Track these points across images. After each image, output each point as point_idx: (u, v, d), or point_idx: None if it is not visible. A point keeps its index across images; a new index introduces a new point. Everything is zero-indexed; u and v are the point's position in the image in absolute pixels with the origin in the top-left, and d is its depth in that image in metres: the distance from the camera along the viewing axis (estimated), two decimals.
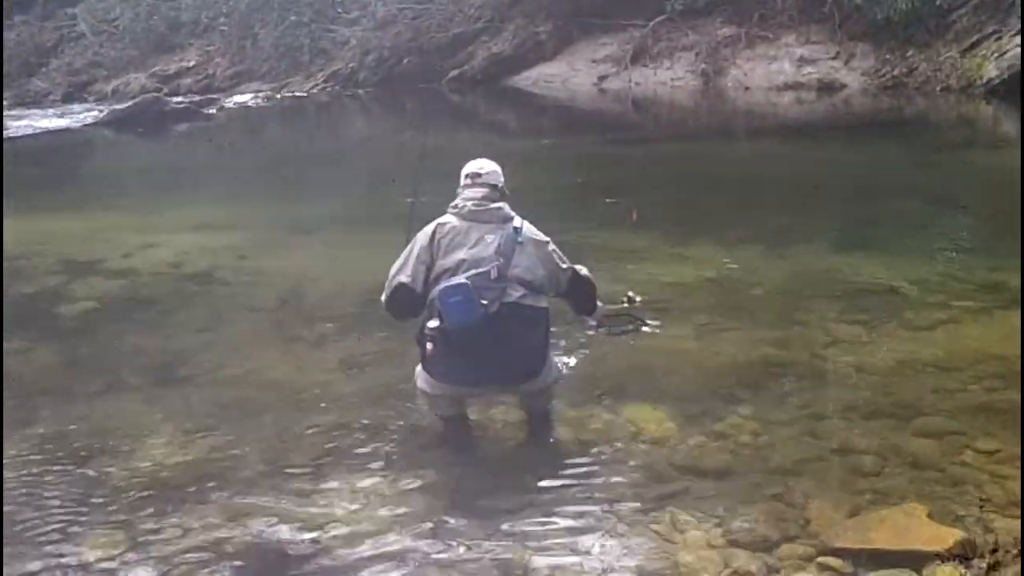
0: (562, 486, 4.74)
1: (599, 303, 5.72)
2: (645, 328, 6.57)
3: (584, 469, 4.92)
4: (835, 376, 5.89)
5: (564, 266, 5.24)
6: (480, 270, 4.92)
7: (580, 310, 5.70)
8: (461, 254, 5.01)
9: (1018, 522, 3.98)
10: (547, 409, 5.48)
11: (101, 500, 4.87)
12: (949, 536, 3.88)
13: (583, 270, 5.37)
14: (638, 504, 4.52)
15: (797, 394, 5.65)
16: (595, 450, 5.13)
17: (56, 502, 4.88)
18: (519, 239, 5.06)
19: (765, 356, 6.25)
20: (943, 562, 3.77)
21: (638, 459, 5.00)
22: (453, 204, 5.24)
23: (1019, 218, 8.58)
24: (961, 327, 6.62)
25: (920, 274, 7.88)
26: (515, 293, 4.94)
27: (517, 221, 5.15)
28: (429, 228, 5.17)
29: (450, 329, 4.84)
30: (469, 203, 5.16)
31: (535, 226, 5.23)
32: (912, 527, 3.98)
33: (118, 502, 4.84)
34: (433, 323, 4.90)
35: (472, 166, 5.34)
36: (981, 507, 4.16)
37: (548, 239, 5.24)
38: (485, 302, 4.83)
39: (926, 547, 3.82)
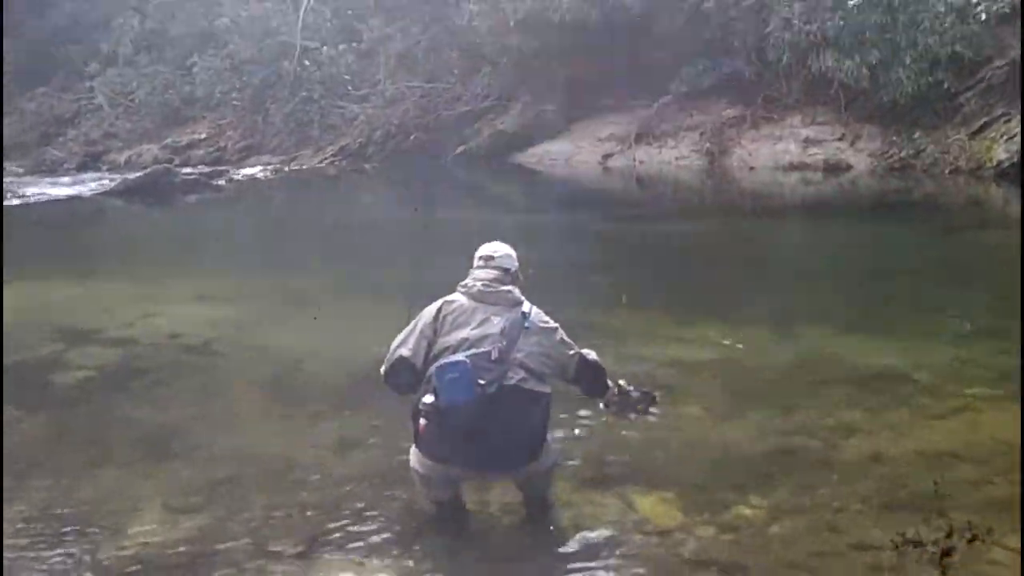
0: None
1: (609, 382, 5.51)
2: (653, 410, 6.27)
3: (585, 563, 4.70)
4: (849, 465, 5.66)
5: (571, 352, 5.12)
6: (480, 350, 4.80)
7: (590, 392, 5.49)
8: (464, 333, 4.90)
9: None
10: (546, 494, 5.26)
11: None
12: None
13: (590, 355, 5.21)
14: None
15: (810, 484, 5.41)
16: (597, 541, 4.92)
17: None
18: (526, 324, 4.97)
19: (775, 443, 6.05)
20: None
21: (643, 551, 4.79)
22: (463, 283, 5.17)
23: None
24: (978, 416, 6.39)
25: (933, 359, 7.69)
26: (515, 376, 4.81)
27: (526, 306, 5.08)
28: (436, 304, 5.09)
29: (444, 407, 4.68)
30: (479, 283, 5.11)
31: (538, 304, 5.13)
32: None
33: None
34: (428, 399, 4.73)
35: (486, 249, 5.31)
36: None
37: (556, 326, 5.14)
38: (482, 382, 4.68)
39: None
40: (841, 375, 7.40)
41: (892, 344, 8.20)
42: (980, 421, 6.29)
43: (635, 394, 5.66)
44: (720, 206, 19.56)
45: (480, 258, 5.28)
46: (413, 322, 5.08)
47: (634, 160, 24.55)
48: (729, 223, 16.76)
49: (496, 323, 4.93)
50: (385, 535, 5.08)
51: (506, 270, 5.21)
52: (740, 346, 8.23)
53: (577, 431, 6.30)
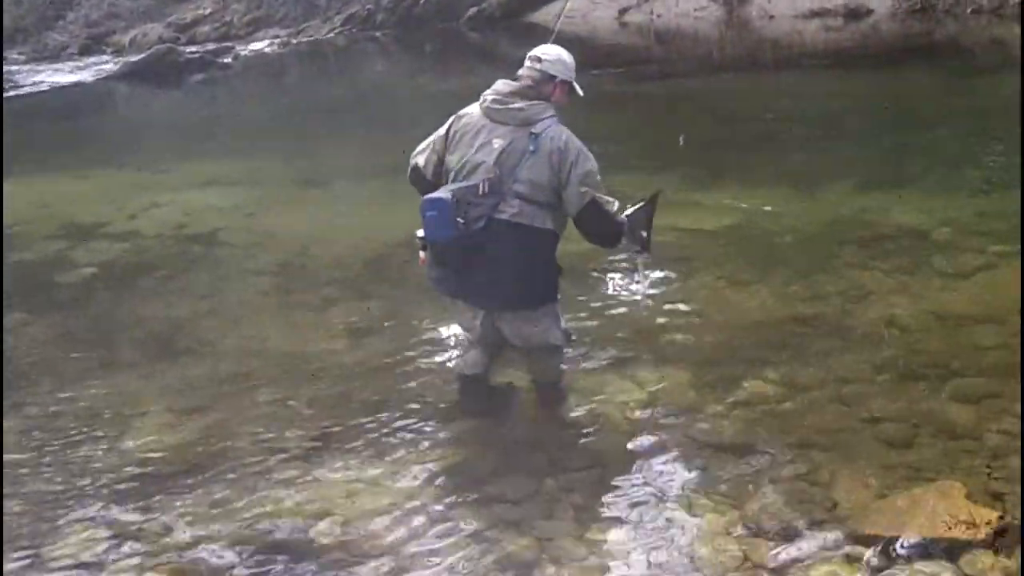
0: (572, 468, 4.43)
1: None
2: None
3: (596, 448, 4.62)
4: (865, 333, 5.48)
5: (583, 189, 4.54)
6: (469, 183, 4.53)
7: (594, 241, 4.95)
8: (463, 154, 4.63)
9: None
10: (556, 376, 5.15)
11: (86, 490, 4.65)
12: (988, 519, 3.53)
13: (608, 204, 4.63)
14: (652, 486, 4.21)
15: (825, 354, 5.25)
16: (607, 424, 4.81)
17: (39, 492, 4.67)
18: (531, 147, 4.53)
19: (791, 312, 5.88)
20: (982, 549, 3.43)
21: (653, 432, 4.67)
22: (485, 92, 4.73)
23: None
24: (998, 274, 6.15)
25: (953, 214, 7.43)
26: (509, 210, 4.53)
27: (540, 127, 4.56)
28: (451, 118, 4.80)
29: (429, 242, 4.64)
30: (491, 96, 4.65)
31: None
32: (948, 509, 3.62)
33: (103, 492, 4.62)
34: (419, 232, 4.68)
35: (537, 49, 4.73)
36: (1015, 485, 3.77)
37: (577, 156, 4.54)
38: (462, 220, 4.45)
39: (963, 534, 3.48)
40: (859, 235, 7.19)
41: (913, 200, 7.93)
42: (1000, 280, 6.04)
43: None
44: (739, 59, 19.03)
45: (528, 57, 4.70)
46: (436, 130, 4.84)
47: (651, 14, 23.88)
48: (748, 77, 16.33)
49: (496, 147, 4.56)
50: (396, 427, 4.99)
51: (545, 77, 4.63)
52: (758, 209, 8.00)
53: (583, 311, 6.12)
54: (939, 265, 6.40)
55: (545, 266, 4.73)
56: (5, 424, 5.29)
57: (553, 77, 4.65)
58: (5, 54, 29.40)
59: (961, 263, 6.37)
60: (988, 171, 8.87)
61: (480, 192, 4.51)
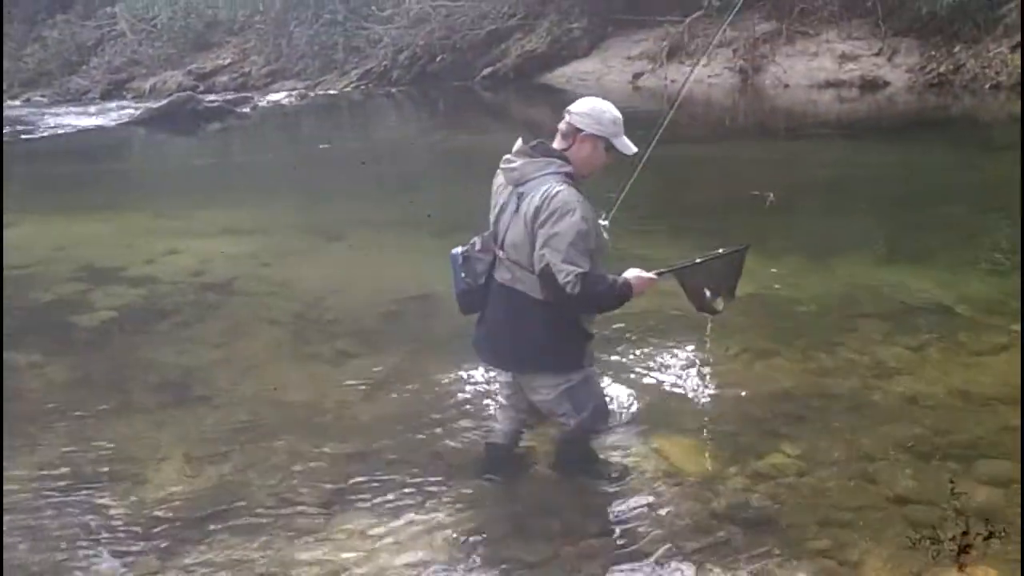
0: (589, 534, 4.38)
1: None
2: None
3: (614, 515, 4.55)
4: (888, 409, 5.44)
5: (541, 252, 4.28)
6: (473, 240, 4.65)
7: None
8: (490, 214, 4.67)
9: None
10: (573, 441, 4.99)
11: (100, 535, 4.63)
12: None
13: (562, 274, 4.23)
14: (671, 558, 4.15)
15: (847, 430, 5.20)
16: (626, 491, 4.76)
17: (53, 536, 4.64)
18: (513, 207, 4.43)
19: (811, 384, 5.84)
20: None
21: (672, 503, 4.63)
22: None
23: None
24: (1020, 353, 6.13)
25: (974, 291, 7.41)
26: (504, 273, 4.52)
27: (529, 185, 4.39)
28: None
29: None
30: (509, 154, 4.56)
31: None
32: None
33: (118, 538, 4.59)
34: None
35: (577, 101, 4.58)
36: None
37: (556, 215, 4.26)
38: (466, 276, 4.59)
39: None
40: (879, 309, 7.14)
41: (931, 275, 7.92)
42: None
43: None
44: (753, 127, 19.12)
45: (565, 110, 4.56)
46: None
47: (665, 79, 24.02)
48: (763, 145, 16.39)
49: (496, 207, 4.58)
50: (412, 485, 4.96)
51: (575, 131, 4.45)
52: (775, 278, 7.96)
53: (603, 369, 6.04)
54: (963, 342, 6.34)
55: (545, 334, 4.55)
56: (18, 465, 5.25)
57: (579, 131, 4.46)
58: (28, 96, 29.76)
59: (984, 342, 6.31)
60: (1006, 249, 8.85)
61: (477, 248, 4.61)
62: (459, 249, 4.66)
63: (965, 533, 3.57)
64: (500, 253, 4.52)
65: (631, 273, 4.44)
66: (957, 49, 20.54)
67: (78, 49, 33.49)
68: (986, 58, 19.86)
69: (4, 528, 4.63)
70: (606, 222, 4.70)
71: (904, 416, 5.34)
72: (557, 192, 4.33)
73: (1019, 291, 7.14)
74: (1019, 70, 18.57)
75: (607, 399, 5.13)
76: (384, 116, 25.33)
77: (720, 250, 4.78)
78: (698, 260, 4.72)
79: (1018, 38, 19.38)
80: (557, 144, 4.52)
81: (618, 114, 4.53)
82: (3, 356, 6.83)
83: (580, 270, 4.23)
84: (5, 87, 28.41)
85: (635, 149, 4.58)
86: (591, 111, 4.48)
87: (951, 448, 4.92)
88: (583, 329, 4.63)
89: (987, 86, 19.39)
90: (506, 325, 4.62)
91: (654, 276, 4.54)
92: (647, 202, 11.13)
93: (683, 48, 24.46)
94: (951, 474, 4.56)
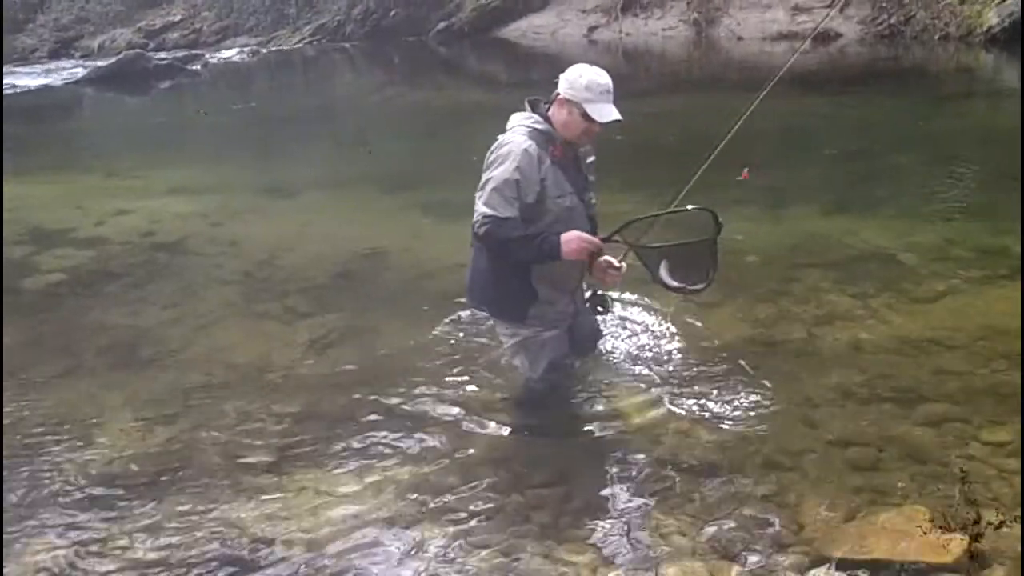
0: (537, 484, 4.42)
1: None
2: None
3: (562, 465, 4.59)
4: (831, 356, 5.52)
5: (476, 194, 4.49)
6: None
7: None
8: None
9: None
10: (525, 394, 5.14)
11: (48, 499, 4.58)
12: (953, 545, 3.55)
13: (476, 212, 4.44)
14: (616, 507, 4.21)
15: (792, 377, 5.27)
16: (573, 442, 4.82)
17: None
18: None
19: (757, 334, 5.90)
20: (949, 573, 3.45)
21: (618, 452, 4.69)
22: None
23: (1020, 176, 8.24)
24: (963, 299, 6.23)
25: (919, 239, 7.51)
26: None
27: (504, 136, 4.57)
28: None
29: None
30: None
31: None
32: (913, 533, 3.64)
33: (66, 501, 4.56)
34: None
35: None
36: (982, 510, 3.78)
37: (494, 161, 4.47)
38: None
39: (928, 558, 3.51)
40: (827, 258, 7.22)
41: (879, 224, 8.02)
42: (966, 305, 6.11)
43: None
44: (707, 79, 19.17)
45: None
46: None
47: (620, 32, 24.02)
48: (716, 97, 16.36)
49: None
50: (361, 441, 4.96)
51: (555, 94, 4.58)
52: (725, 229, 7.99)
53: None
54: (905, 289, 6.43)
55: (487, 276, 4.78)
56: None
57: (558, 94, 4.57)
58: None
59: (927, 288, 6.41)
60: (952, 198, 8.96)
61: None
62: None
63: (976, 522, 3.59)
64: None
65: (572, 233, 4.44)
66: (907, 1, 20.65)
67: (24, 6, 32.87)
68: (935, 9, 20.03)
69: None
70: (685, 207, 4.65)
71: (847, 363, 5.41)
72: (505, 142, 4.49)
73: (963, 239, 7.30)
74: (968, 21, 18.72)
75: (565, 360, 5.13)
76: (338, 72, 25.11)
77: (675, 209, 4.75)
78: (655, 214, 4.78)
79: None
80: (537, 103, 4.65)
81: (601, 80, 4.53)
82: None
83: (493, 214, 4.38)
84: None
85: (613, 117, 4.53)
86: (568, 74, 4.55)
87: (891, 392, 5.00)
88: (529, 285, 4.71)
89: (936, 37, 19.54)
90: (471, 263, 4.85)
91: (597, 240, 4.55)
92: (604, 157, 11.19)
93: (637, 1, 24.44)
94: (890, 417, 4.67)
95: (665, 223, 4.81)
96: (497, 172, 4.42)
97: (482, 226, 4.41)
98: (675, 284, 4.72)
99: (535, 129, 4.55)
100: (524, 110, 4.67)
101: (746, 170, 6.27)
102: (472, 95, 18.34)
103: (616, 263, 4.78)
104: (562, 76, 4.57)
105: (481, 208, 4.42)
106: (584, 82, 4.50)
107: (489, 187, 4.42)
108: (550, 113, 4.60)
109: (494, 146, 4.55)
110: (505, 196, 4.40)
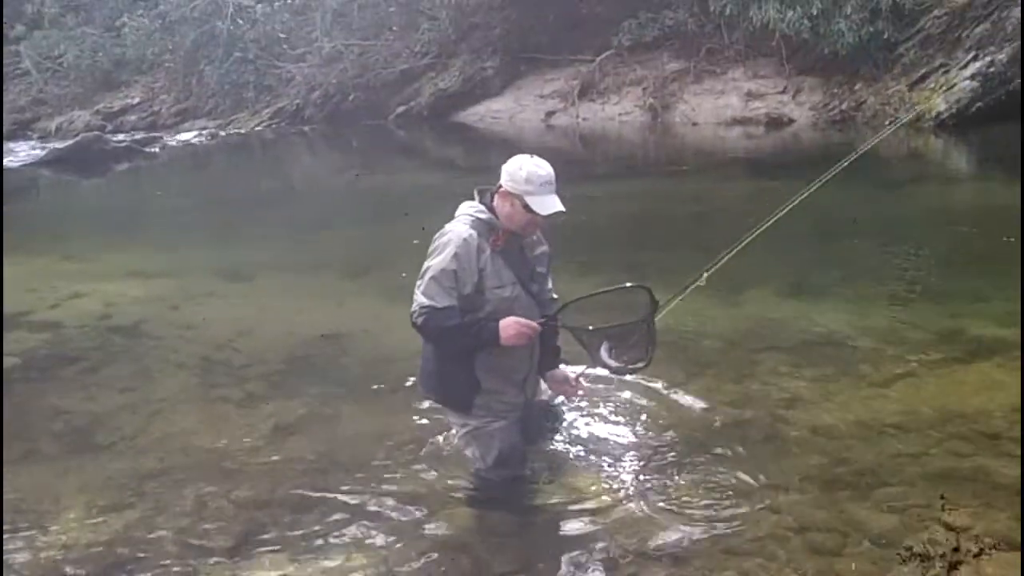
0: (497, 573, 4.39)
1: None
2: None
3: (522, 552, 4.56)
4: (792, 441, 5.55)
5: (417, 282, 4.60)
6: None
7: None
8: None
9: None
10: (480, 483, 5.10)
11: None
12: None
13: (414, 302, 4.55)
14: None
15: (753, 461, 5.29)
16: (534, 529, 4.80)
17: None
18: None
19: (718, 418, 5.94)
20: None
21: (578, 538, 4.66)
22: None
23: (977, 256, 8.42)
24: (920, 382, 6.31)
25: (874, 323, 7.62)
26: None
27: (448, 225, 4.65)
28: None
29: None
30: None
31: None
32: None
33: None
34: None
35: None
36: None
37: (433, 252, 4.57)
38: None
39: None
40: (784, 343, 7.28)
41: (833, 308, 8.13)
42: (921, 388, 6.20)
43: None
44: (663, 163, 19.40)
45: None
46: None
47: (577, 117, 24.35)
48: (672, 181, 16.64)
49: None
50: (321, 529, 4.92)
51: (493, 188, 4.65)
52: (681, 312, 8.04)
53: None
54: (863, 373, 6.51)
55: (432, 364, 4.86)
56: None
57: (495, 187, 4.63)
58: None
59: (884, 372, 6.49)
60: (905, 281, 9.12)
61: None
62: None
63: (956, 549, 3.62)
64: None
65: (509, 319, 4.48)
66: (858, 87, 21.21)
67: None
68: (885, 95, 20.51)
69: None
70: (703, 282, 4.87)
71: (808, 447, 5.44)
72: (447, 231, 4.59)
73: (916, 322, 7.41)
74: (917, 108, 19.18)
75: (516, 450, 5.08)
76: (296, 155, 25.20)
77: (610, 288, 4.83)
78: (590, 294, 4.78)
79: (916, 76, 20.06)
80: (483, 194, 4.71)
81: (542, 172, 4.53)
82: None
83: (431, 304, 4.46)
84: None
85: (555, 209, 4.54)
86: (509, 166, 4.61)
87: (851, 476, 5.03)
88: (471, 375, 4.74)
89: (887, 123, 19.96)
90: (422, 352, 4.91)
91: (535, 324, 4.58)
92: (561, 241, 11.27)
93: (594, 86, 24.85)
94: (851, 501, 4.68)
95: (606, 303, 4.80)
96: (436, 261, 4.50)
97: (420, 316, 4.49)
98: (615, 364, 4.76)
99: (477, 219, 4.60)
100: (473, 198, 4.72)
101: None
102: (429, 178, 18.42)
103: (573, 380, 4.93)
104: (503, 168, 4.60)
105: (419, 298, 4.50)
106: (524, 175, 4.52)
107: (428, 276, 4.50)
108: (494, 204, 4.63)
109: (437, 234, 4.62)
110: (443, 286, 4.48)
